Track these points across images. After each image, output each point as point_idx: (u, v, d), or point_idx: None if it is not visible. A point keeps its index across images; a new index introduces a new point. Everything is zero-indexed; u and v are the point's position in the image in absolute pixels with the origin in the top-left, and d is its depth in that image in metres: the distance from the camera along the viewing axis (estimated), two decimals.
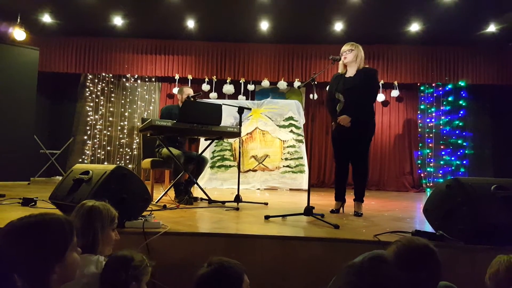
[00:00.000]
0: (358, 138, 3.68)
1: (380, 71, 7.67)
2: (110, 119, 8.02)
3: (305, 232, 2.75)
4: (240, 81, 7.86)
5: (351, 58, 3.69)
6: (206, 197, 4.23)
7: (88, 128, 7.94)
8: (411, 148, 7.88)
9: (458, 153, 7.65)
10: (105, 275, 1.55)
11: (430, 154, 7.75)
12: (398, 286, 0.70)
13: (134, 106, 8.10)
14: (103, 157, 7.91)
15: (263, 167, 7.05)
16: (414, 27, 6.69)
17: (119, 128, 8.04)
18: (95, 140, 7.93)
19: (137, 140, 7.92)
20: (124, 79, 8.13)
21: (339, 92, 3.73)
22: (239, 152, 4.88)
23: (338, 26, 6.76)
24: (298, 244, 2.45)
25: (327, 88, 4.29)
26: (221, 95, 7.82)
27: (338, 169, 3.90)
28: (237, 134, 4.25)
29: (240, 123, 4.31)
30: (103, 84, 8.07)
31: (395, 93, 7.75)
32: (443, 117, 7.76)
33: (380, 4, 5.93)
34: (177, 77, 7.87)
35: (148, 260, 1.64)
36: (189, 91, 4.68)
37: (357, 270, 0.73)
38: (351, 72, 3.74)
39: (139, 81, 8.15)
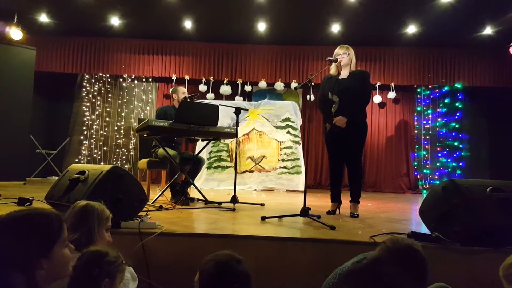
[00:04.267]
0: (352, 139, 3.71)
1: (377, 72, 7.70)
2: (107, 119, 8.00)
3: (301, 233, 2.75)
4: (237, 82, 7.86)
5: (346, 61, 3.76)
6: (203, 198, 4.22)
7: (84, 128, 7.91)
8: (408, 149, 7.90)
9: (454, 155, 7.68)
10: (77, 270, 1.40)
11: (426, 156, 7.77)
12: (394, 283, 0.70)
13: (131, 107, 8.08)
14: (99, 157, 7.89)
15: (259, 168, 7.05)
16: (411, 29, 6.72)
17: (116, 128, 8.02)
18: (92, 140, 7.91)
19: (134, 141, 7.90)
20: (121, 79, 8.11)
21: (333, 94, 3.75)
22: (236, 153, 4.89)
23: (335, 28, 6.78)
24: (294, 245, 2.45)
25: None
26: (218, 96, 7.82)
27: (333, 170, 3.93)
28: (234, 135, 4.25)
29: (237, 124, 4.30)
30: (100, 84, 8.05)
31: (391, 94, 7.77)
32: (439, 119, 7.78)
33: (377, 6, 5.95)
34: (174, 77, 7.86)
35: (123, 258, 1.56)
36: (183, 90, 4.69)
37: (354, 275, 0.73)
38: (344, 74, 3.79)
39: (136, 82, 8.13)
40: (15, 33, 6.54)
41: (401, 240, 1.55)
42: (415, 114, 7.95)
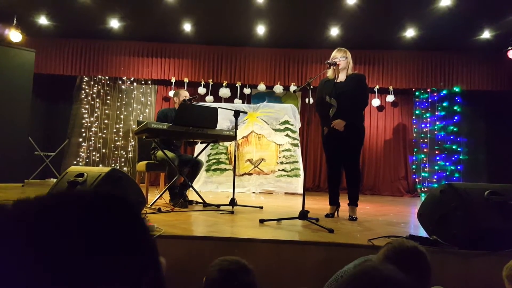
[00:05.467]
0: (350, 142, 3.72)
1: (375, 76, 7.71)
2: (106, 121, 8.00)
3: (299, 236, 2.75)
4: (236, 85, 7.86)
5: (344, 65, 3.78)
6: (201, 200, 4.22)
7: (83, 130, 7.91)
8: (406, 153, 7.90)
9: (453, 159, 7.69)
10: None
11: (424, 159, 7.78)
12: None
13: (130, 109, 8.08)
14: (98, 159, 7.88)
15: (258, 171, 7.05)
16: (410, 32, 6.74)
17: (115, 130, 8.01)
18: (90, 143, 7.90)
19: (133, 143, 7.90)
20: (120, 82, 8.10)
21: (331, 97, 3.76)
22: (235, 156, 4.89)
23: (334, 31, 6.79)
24: (292, 248, 2.45)
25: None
26: (217, 99, 7.82)
27: (331, 174, 3.94)
28: (232, 138, 4.26)
29: (236, 127, 4.31)
30: (99, 87, 8.05)
31: (390, 98, 7.79)
32: (437, 123, 7.80)
33: (375, 9, 5.97)
34: (173, 80, 7.86)
35: None
36: (185, 94, 4.69)
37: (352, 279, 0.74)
38: (341, 78, 3.80)
39: (135, 84, 8.13)
40: (15, 35, 6.54)
41: (407, 242, 1.56)
42: (414, 117, 7.96)
